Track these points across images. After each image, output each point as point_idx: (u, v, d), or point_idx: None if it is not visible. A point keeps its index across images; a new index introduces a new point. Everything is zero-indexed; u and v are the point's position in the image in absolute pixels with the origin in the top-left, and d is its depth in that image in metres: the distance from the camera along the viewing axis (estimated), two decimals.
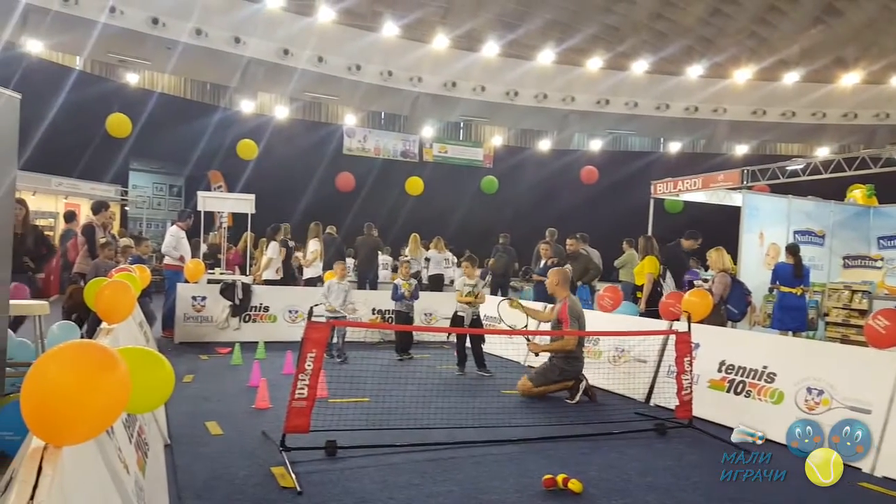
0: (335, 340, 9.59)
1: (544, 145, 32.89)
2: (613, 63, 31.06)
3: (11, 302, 5.05)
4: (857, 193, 13.69)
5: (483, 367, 9.19)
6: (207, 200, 13.56)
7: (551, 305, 8.80)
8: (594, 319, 9.38)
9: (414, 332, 10.73)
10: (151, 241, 14.08)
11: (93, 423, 2.07)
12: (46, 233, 9.04)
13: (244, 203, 13.66)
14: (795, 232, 12.42)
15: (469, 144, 31.95)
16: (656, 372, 7.84)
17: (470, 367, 9.25)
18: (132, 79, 26.98)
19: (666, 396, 7.27)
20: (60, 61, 24.65)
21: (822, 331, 12.00)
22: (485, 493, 4.54)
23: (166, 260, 11.76)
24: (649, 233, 12.83)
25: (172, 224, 12.23)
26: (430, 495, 4.45)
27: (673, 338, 6.80)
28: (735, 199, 13.21)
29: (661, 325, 8.24)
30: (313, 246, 13.34)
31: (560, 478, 4.59)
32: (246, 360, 9.15)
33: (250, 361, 8.79)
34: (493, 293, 14.95)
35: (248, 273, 13.43)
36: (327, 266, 13.15)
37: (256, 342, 9.92)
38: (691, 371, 6.57)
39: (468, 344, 9.41)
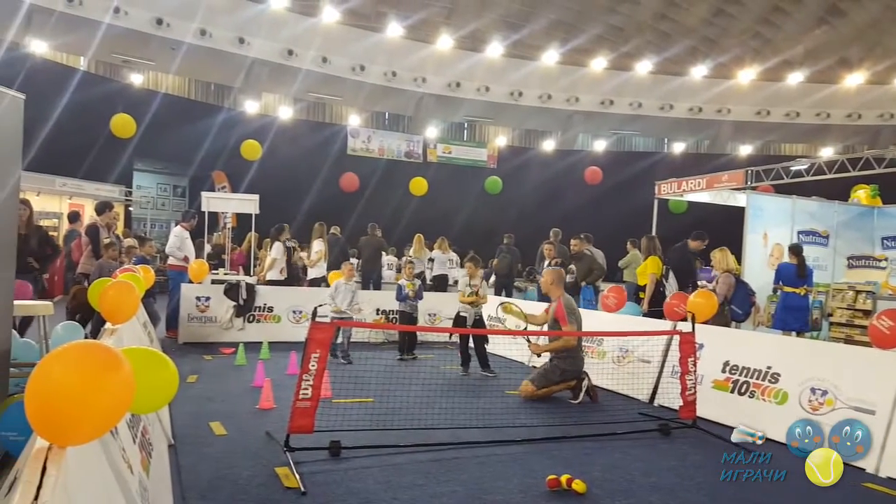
0: (340, 341, 9.59)
1: (548, 146, 32.87)
2: (617, 63, 31.02)
3: (16, 302, 5.06)
4: (862, 194, 13.67)
5: (487, 368, 9.19)
6: (211, 201, 13.57)
7: (548, 305, 8.78)
8: (598, 320, 9.39)
9: (418, 333, 10.73)
10: (155, 241, 14.10)
11: (97, 424, 2.07)
12: (50, 233, 9.05)
13: (248, 203, 13.66)
14: (799, 232, 12.40)
15: (473, 145, 31.96)
16: (660, 372, 7.83)
17: (474, 367, 9.25)
18: (136, 79, 27.02)
19: (670, 397, 7.26)
20: (65, 62, 24.70)
21: (826, 331, 11.99)
22: (489, 493, 4.54)
23: (170, 260, 11.78)
24: (653, 233, 12.82)
25: (176, 224, 12.25)
26: (434, 496, 4.45)
27: (677, 338, 6.79)
28: (739, 199, 13.19)
29: (665, 325, 8.23)
30: (317, 246, 13.33)
31: (564, 478, 4.59)
32: (250, 360, 9.15)
33: (254, 362, 8.79)
34: (497, 293, 14.94)
35: (252, 273, 13.44)
36: (331, 266, 13.15)
37: (260, 342, 9.94)
38: (695, 371, 6.56)
39: (471, 344, 9.41)
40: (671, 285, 10.69)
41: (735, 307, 9.16)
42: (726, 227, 13.05)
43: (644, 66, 31.10)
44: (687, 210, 22.01)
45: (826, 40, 28.23)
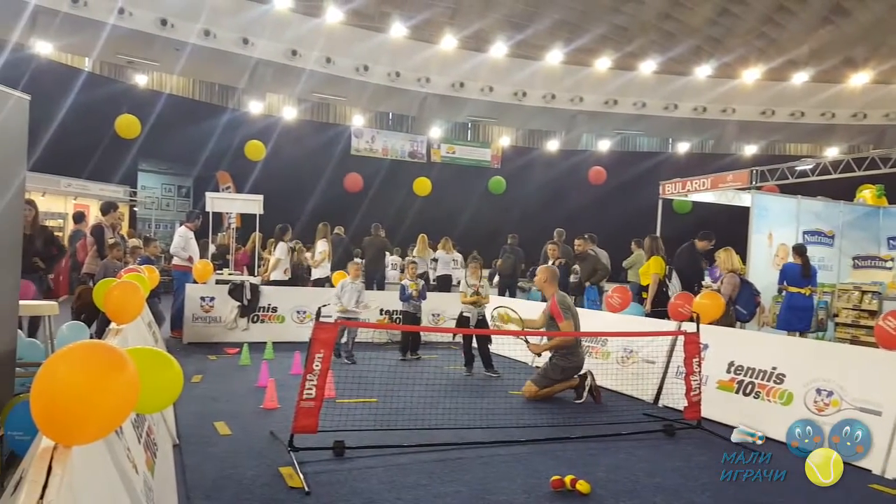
0: (344, 341, 9.59)
1: (552, 146, 32.85)
2: (622, 63, 31.00)
3: (21, 302, 5.07)
4: (867, 194, 13.64)
5: (490, 368, 9.18)
6: (216, 201, 13.59)
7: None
8: (603, 320, 9.38)
9: (422, 333, 10.73)
10: (160, 241, 14.14)
11: (102, 423, 2.08)
12: (56, 233, 9.07)
13: (252, 204, 13.68)
14: (805, 232, 12.37)
15: (477, 145, 31.97)
16: (665, 373, 7.82)
17: (478, 367, 9.25)
18: (141, 80, 27.08)
19: (674, 397, 7.25)
20: (69, 63, 24.77)
21: (831, 332, 11.96)
22: (492, 493, 4.53)
23: (175, 260, 11.80)
24: (657, 233, 12.80)
25: (181, 225, 12.26)
26: (438, 496, 4.45)
27: (681, 339, 6.78)
28: (744, 199, 13.17)
29: (670, 325, 8.22)
30: (321, 246, 13.34)
31: (568, 479, 4.58)
32: (254, 360, 9.17)
33: (259, 362, 8.80)
34: (501, 293, 14.94)
35: (256, 274, 13.45)
36: (335, 267, 13.16)
37: (265, 342, 9.94)
38: (700, 372, 6.54)
39: (475, 344, 9.40)
40: (674, 285, 10.67)
41: (740, 307, 9.14)
42: (731, 227, 13.03)
43: (648, 66, 31.08)
44: (691, 210, 22.00)
45: (831, 40, 28.17)
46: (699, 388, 6.52)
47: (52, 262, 8.37)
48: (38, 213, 8.22)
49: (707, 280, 11.18)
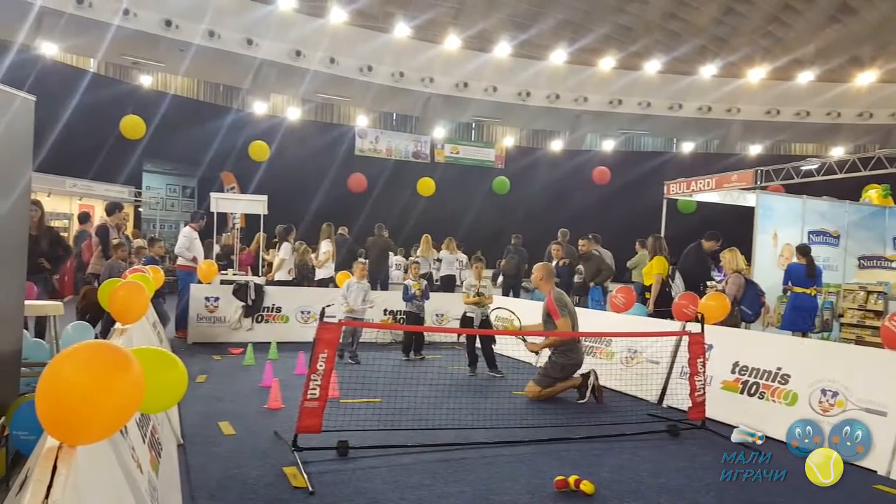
0: (349, 341, 9.57)
1: (556, 146, 32.83)
2: (626, 63, 30.95)
3: (26, 302, 5.09)
4: (873, 193, 13.60)
5: (494, 368, 9.18)
6: (220, 201, 13.61)
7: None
8: (607, 320, 9.38)
9: (425, 333, 10.74)
10: (164, 242, 14.16)
11: (107, 423, 2.08)
12: (61, 234, 9.11)
13: (257, 204, 13.70)
14: (810, 232, 12.35)
15: (481, 145, 31.96)
16: (669, 373, 7.81)
17: (481, 367, 9.25)
18: (146, 81, 27.15)
19: (679, 398, 7.24)
20: (75, 63, 24.85)
21: (836, 332, 11.93)
22: (496, 493, 4.53)
23: (179, 261, 11.82)
24: (662, 233, 12.78)
25: (185, 225, 12.29)
26: (442, 496, 4.45)
27: (686, 339, 6.77)
28: (749, 199, 13.14)
29: (674, 326, 8.21)
30: (325, 247, 13.35)
31: (572, 479, 4.58)
32: (258, 360, 9.18)
33: (263, 362, 8.82)
34: (505, 294, 14.93)
35: (260, 274, 13.47)
36: (339, 267, 13.17)
37: (269, 342, 9.95)
38: (704, 372, 6.53)
39: (478, 345, 9.40)
40: (678, 286, 10.66)
41: (745, 308, 9.13)
42: (736, 227, 13.03)
43: (653, 66, 31.02)
44: (696, 210, 21.98)
45: (837, 39, 28.09)
46: (703, 388, 6.52)
47: (58, 262, 8.39)
48: (45, 214, 8.24)
49: (715, 279, 11.14)
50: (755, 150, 33.11)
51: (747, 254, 11.27)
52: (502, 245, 17.03)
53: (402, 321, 11.61)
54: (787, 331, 10.24)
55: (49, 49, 22.15)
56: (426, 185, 25.95)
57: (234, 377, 8.35)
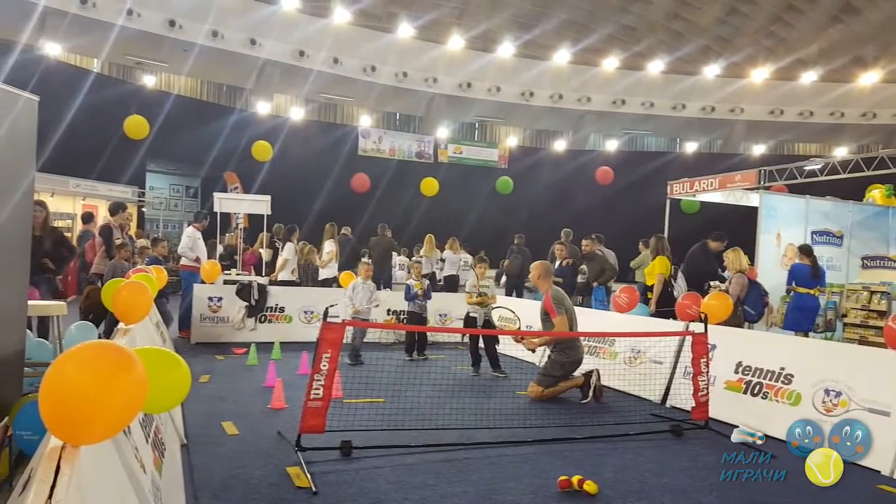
0: (351, 342, 9.54)
1: (559, 146, 32.82)
2: (629, 63, 30.94)
3: (30, 302, 5.09)
4: (876, 193, 13.59)
5: (498, 368, 9.17)
6: (223, 202, 13.61)
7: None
8: (610, 320, 9.37)
9: (428, 333, 10.73)
10: (168, 242, 14.18)
11: (110, 423, 2.09)
12: (65, 234, 9.12)
13: (260, 204, 13.70)
14: (813, 232, 12.33)
15: (484, 145, 31.96)
16: (672, 373, 7.80)
17: (485, 367, 9.24)
18: (149, 81, 27.18)
19: (682, 398, 7.23)
20: (78, 64, 24.89)
21: (840, 332, 11.90)
22: (499, 493, 4.53)
23: (182, 261, 11.83)
24: (665, 233, 12.76)
25: (189, 225, 12.29)
26: (445, 496, 4.45)
27: (689, 339, 6.76)
28: (752, 199, 13.13)
29: (678, 326, 8.20)
30: (329, 247, 13.36)
31: (575, 479, 4.58)
32: (262, 360, 9.18)
33: (266, 362, 8.82)
34: (508, 294, 14.94)
35: (263, 273, 13.47)
36: (342, 267, 13.17)
37: (272, 342, 9.96)
38: (707, 372, 6.52)
39: (482, 345, 9.39)
40: (680, 286, 10.64)
41: (748, 308, 9.12)
42: (739, 227, 13.00)
43: (656, 66, 31.02)
44: (699, 210, 21.95)
45: (840, 39, 28.06)
46: (707, 388, 6.51)
47: (63, 263, 8.39)
48: (49, 214, 8.25)
49: (716, 282, 11.12)
50: (758, 150, 33.08)
51: (750, 254, 11.25)
52: (506, 245, 17.03)
53: (404, 321, 11.60)
54: (790, 331, 10.23)
55: (53, 49, 22.19)
56: (429, 186, 25.95)
57: (238, 377, 8.36)
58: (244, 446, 5.38)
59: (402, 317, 12.00)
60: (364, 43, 27.62)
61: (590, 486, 4.53)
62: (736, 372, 7.03)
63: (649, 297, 10.60)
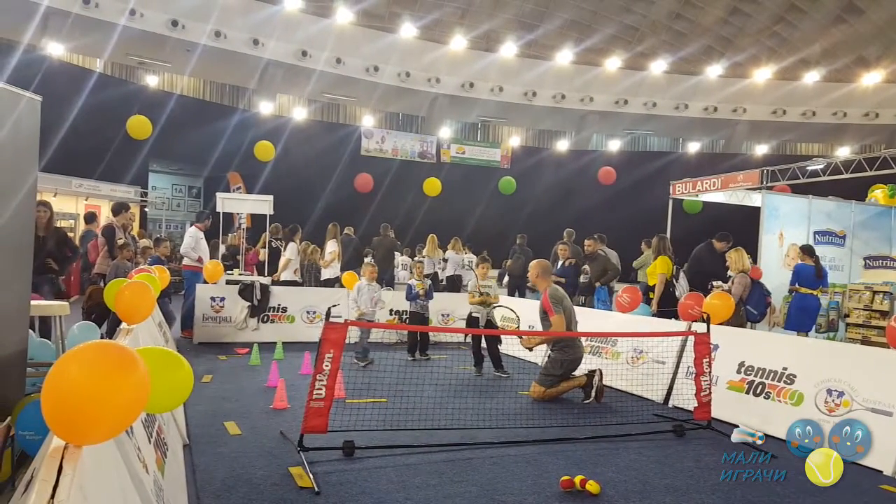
0: (356, 342, 9.51)
1: (562, 146, 32.83)
2: (632, 63, 30.95)
3: (32, 303, 5.10)
4: (879, 193, 13.57)
5: (500, 368, 9.16)
6: (226, 202, 13.61)
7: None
8: (613, 320, 9.36)
9: (431, 333, 10.73)
10: (170, 242, 14.19)
11: (112, 423, 2.09)
12: (68, 234, 9.12)
13: (263, 204, 13.70)
14: (816, 232, 12.32)
15: (487, 145, 31.96)
16: (675, 373, 7.79)
17: (487, 367, 9.23)
18: (152, 81, 27.24)
19: (684, 398, 7.23)
20: (81, 64, 24.93)
21: (842, 332, 11.89)
22: (502, 493, 4.53)
23: (185, 261, 11.83)
24: (667, 233, 12.76)
25: (191, 225, 12.30)
26: (448, 496, 4.45)
27: (692, 339, 6.76)
28: (754, 199, 13.12)
29: (680, 326, 8.20)
30: (331, 247, 13.36)
31: (578, 479, 4.58)
32: (264, 360, 9.19)
33: (268, 362, 8.82)
34: (511, 294, 14.93)
35: (265, 273, 13.47)
36: (345, 267, 13.17)
37: (275, 343, 9.96)
38: (710, 372, 6.52)
39: (484, 345, 9.39)
40: (682, 286, 10.63)
41: (750, 308, 9.11)
42: (741, 227, 12.99)
43: (659, 66, 31.02)
44: (701, 210, 21.94)
45: (843, 39, 28.05)
46: (709, 388, 6.50)
47: (66, 263, 8.40)
48: (54, 215, 8.26)
49: (718, 282, 11.10)
50: (761, 150, 33.07)
51: (753, 254, 11.24)
52: (508, 245, 17.03)
53: (406, 321, 11.60)
54: (792, 331, 10.22)
55: (55, 49, 22.24)
56: (432, 185, 25.96)
57: (240, 377, 8.36)
58: (247, 446, 5.38)
59: (404, 317, 12.00)
60: (367, 43, 27.64)
61: (592, 486, 4.52)
62: (738, 372, 7.02)
63: (651, 297, 10.59)
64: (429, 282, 10.70)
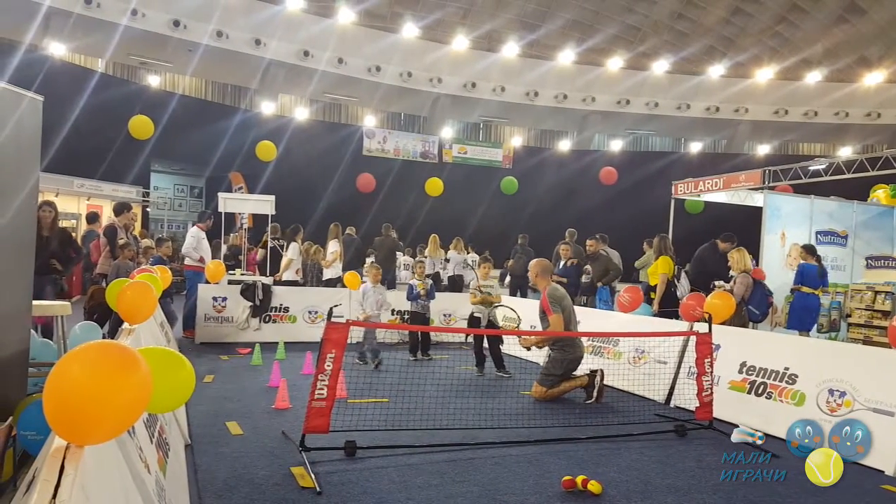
0: (369, 342, 9.47)
1: (564, 146, 32.82)
2: (634, 63, 30.94)
3: (34, 303, 5.10)
4: (881, 193, 13.56)
5: (502, 368, 9.16)
6: (228, 202, 13.60)
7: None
8: (615, 320, 9.36)
9: (432, 333, 10.73)
10: (172, 241, 14.20)
11: (114, 423, 2.09)
12: (72, 234, 9.13)
13: (264, 204, 13.69)
14: (818, 232, 12.31)
15: (488, 145, 31.96)
16: (676, 373, 7.78)
17: (489, 367, 9.23)
18: (154, 81, 27.25)
19: (686, 398, 7.22)
20: (83, 64, 24.96)
21: (844, 332, 11.88)
22: (503, 493, 4.53)
23: (187, 261, 11.84)
24: (669, 233, 12.74)
25: (193, 225, 12.31)
26: (449, 496, 4.45)
27: (693, 339, 6.75)
28: (756, 199, 13.11)
29: (682, 326, 8.19)
30: (333, 247, 13.36)
31: (579, 479, 4.57)
32: (266, 360, 9.19)
33: (270, 362, 8.82)
34: (512, 294, 14.93)
35: (267, 273, 13.48)
36: (347, 267, 13.17)
37: (276, 343, 9.96)
38: (712, 372, 6.51)
39: (486, 345, 9.39)
40: (683, 286, 10.61)
41: (752, 308, 9.10)
42: (743, 227, 12.97)
43: (661, 66, 31.01)
44: (703, 210, 21.93)
45: (845, 39, 28.02)
46: (711, 388, 6.50)
47: (69, 264, 8.40)
48: (58, 215, 8.26)
49: (720, 282, 11.09)
50: (763, 150, 33.05)
51: (755, 254, 11.23)
52: (510, 245, 17.03)
53: (408, 321, 11.59)
54: (794, 330, 10.21)
55: (57, 49, 22.26)
56: (434, 185, 25.96)
57: (242, 377, 8.36)
58: (248, 446, 5.39)
59: (405, 317, 12.00)
60: (369, 43, 27.65)
61: (594, 486, 4.52)
62: (740, 372, 7.02)
63: (652, 297, 10.59)
64: (430, 282, 10.70)
